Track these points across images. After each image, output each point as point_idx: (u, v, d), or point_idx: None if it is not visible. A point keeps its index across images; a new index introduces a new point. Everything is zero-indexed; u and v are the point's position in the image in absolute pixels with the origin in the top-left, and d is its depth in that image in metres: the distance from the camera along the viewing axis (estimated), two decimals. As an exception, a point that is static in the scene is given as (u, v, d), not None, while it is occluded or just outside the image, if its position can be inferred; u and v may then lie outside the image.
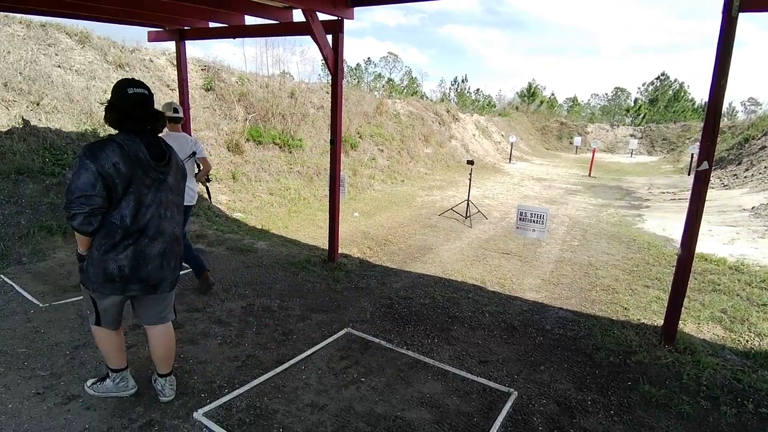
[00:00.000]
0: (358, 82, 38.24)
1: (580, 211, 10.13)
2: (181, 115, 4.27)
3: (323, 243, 6.34)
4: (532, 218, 6.17)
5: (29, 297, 3.96)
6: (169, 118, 4.07)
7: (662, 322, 3.95)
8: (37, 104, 6.60)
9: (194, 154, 4.29)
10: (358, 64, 43.46)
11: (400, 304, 4.44)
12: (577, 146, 27.83)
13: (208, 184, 4.77)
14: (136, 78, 7.77)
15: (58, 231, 5.31)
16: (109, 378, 2.72)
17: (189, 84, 7.29)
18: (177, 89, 7.36)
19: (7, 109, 6.29)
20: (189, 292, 4.36)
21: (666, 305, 3.87)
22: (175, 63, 7.25)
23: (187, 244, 4.38)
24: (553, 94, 48.38)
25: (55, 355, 3.15)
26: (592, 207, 10.71)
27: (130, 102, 2.33)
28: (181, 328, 3.64)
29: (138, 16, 5.75)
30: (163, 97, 8.87)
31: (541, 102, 42.33)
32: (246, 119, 9.96)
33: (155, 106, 2.53)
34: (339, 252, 5.72)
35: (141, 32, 7.62)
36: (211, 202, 5.17)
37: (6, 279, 4.29)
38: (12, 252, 4.84)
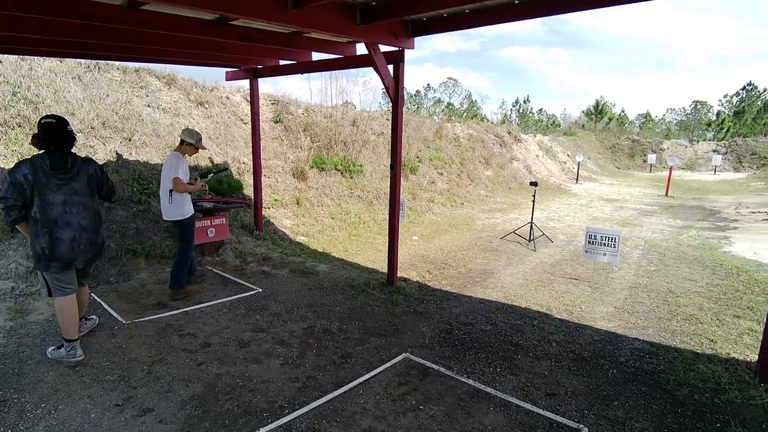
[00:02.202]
0: (418, 107, 38.75)
1: (657, 233, 9.41)
2: (191, 141, 4.70)
3: (382, 266, 6.38)
4: (603, 241, 5.84)
5: (114, 314, 4.34)
6: (187, 143, 4.72)
7: (756, 356, 3.53)
8: (129, 140, 7.35)
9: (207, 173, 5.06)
10: (417, 91, 44.20)
11: (460, 330, 4.34)
12: (651, 164, 26.04)
13: (206, 179, 5.28)
14: (214, 113, 8.42)
15: (141, 253, 5.81)
16: (63, 348, 3.48)
17: (260, 117, 7.80)
18: (249, 123, 7.89)
19: (104, 144, 7.07)
20: (254, 312, 4.56)
21: (761, 338, 3.45)
22: (249, 99, 7.82)
23: (180, 259, 4.76)
24: (623, 111, 46.00)
25: (134, 369, 3.41)
26: (670, 229, 9.91)
27: (42, 130, 3.23)
28: (246, 348, 3.80)
29: (217, 58, 6.31)
30: (237, 129, 9.54)
31: (610, 119, 40.36)
32: (310, 148, 10.42)
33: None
34: (398, 275, 5.73)
35: (219, 72, 8.27)
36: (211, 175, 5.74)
37: (96, 297, 4.74)
38: (102, 273, 5.35)
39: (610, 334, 4.44)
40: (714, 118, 41.74)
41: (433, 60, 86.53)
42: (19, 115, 6.38)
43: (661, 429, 2.89)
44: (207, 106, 9.32)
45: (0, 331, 3.94)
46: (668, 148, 30.33)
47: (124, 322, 4.18)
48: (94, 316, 4.11)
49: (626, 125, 42.63)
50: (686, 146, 30.39)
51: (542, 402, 3.17)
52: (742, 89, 41.00)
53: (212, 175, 5.53)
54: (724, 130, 36.38)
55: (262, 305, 4.76)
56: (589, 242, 5.96)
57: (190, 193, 4.74)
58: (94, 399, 3.01)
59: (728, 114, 40.11)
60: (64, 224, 3.30)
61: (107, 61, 8.01)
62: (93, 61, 7.83)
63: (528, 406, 3.10)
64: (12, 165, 3.54)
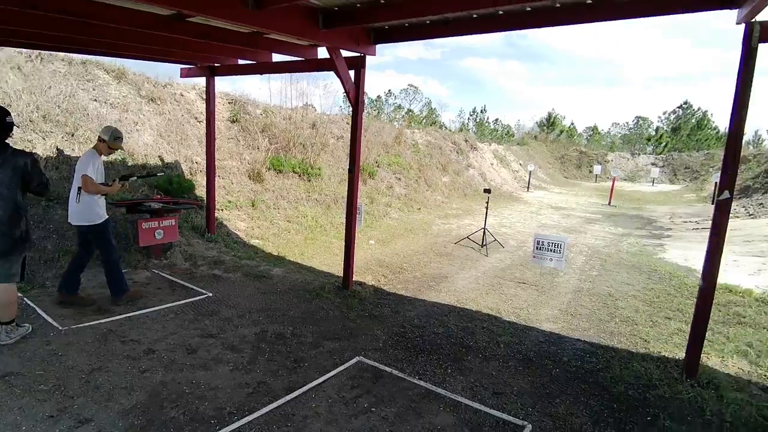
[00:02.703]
0: (378, 113, 38.97)
1: (600, 240, 9.96)
2: (104, 138, 4.27)
3: (338, 270, 6.37)
4: (550, 247, 6.10)
5: (50, 320, 4.08)
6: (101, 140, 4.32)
7: (684, 355, 3.82)
8: (72, 135, 6.95)
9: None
10: (378, 96, 44.34)
11: (413, 333, 4.41)
12: (597, 175, 27.52)
13: (126, 181, 4.71)
14: (167, 110, 8.08)
15: (83, 256, 5.49)
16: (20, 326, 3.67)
17: (216, 117, 7.60)
18: (204, 121, 7.67)
19: (44, 139, 6.64)
20: (204, 317, 4.43)
21: (688, 338, 3.74)
22: (204, 97, 7.59)
23: (108, 267, 4.47)
24: (572, 124, 48.26)
25: (71, 378, 3.22)
26: (611, 236, 10.51)
27: None
28: (194, 354, 3.69)
29: (172, 55, 6.10)
30: (191, 128, 9.24)
31: (561, 131, 42.27)
32: (268, 149, 10.24)
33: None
34: (354, 279, 5.75)
35: (174, 68, 7.96)
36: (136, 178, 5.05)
37: (29, 302, 4.44)
38: (37, 275, 5.02)
39: (554, 335, 4.65)
40: (653, 133, 44.67)
41: (395, 67, 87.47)
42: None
43: (599, 423, 3.07)
44: (159, 103, 8.97)
45: None
46: (612, 160, 32.17)
47: (60, 328, 3.94)
48: (26, 324, 3.83)
49: (575, 137, 44.77)
50: (628, 159, 32.36)
51: (490, 401, 3.28)
52: (679, 107, 44.10)
53: (135, 178, 4.94)
54: (662, 145, 39.04)
55: (213, 310, 4.63)
56: (537, 248, 6.21)
57: (104, 195, 4.35)
58: (25, 411, 2.82)
59: (666, 130, 43.06)
60: None
61: (51, 52, 7.54)
62: (35, 50, 7.35)
63: (476, 405, 3.20)
64: None
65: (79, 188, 4.15)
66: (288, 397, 3.16)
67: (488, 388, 3.47)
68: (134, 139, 7.99)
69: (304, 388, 3.28)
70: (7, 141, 3.43)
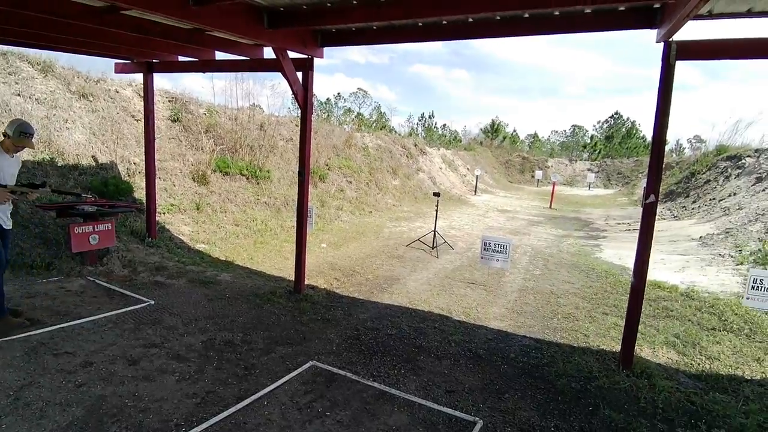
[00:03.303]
0: (328, 116, 38.71)
1: (542, 241, 10.45)
2: (8, 132, 3.73)
3: (289, 274, 6.25)
4: (496, 248, 6.33)
5: (-31, 334, 3.70)
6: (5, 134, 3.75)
7: (620, 347, 4.09)
8: (-9, 132, 6.35)
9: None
10: (328, 99, 44.09)
11: (366, 336, 4.41)
12: (538, 179, 28.91)
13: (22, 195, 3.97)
14: (100, 107, 7.59)
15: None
16: None
17: (156, 115, 7.24)
18: (142, 120, 7.27)
19: (-43, 136, 6.02)
20: (146, 326, 4.19)
21: (623, 331, 4.01)
22: (141, 94, 7.18)
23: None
24: (515, 131, 50.38)
25: (-4, 396, 2.94)
26: (553, 237, 11.07)
27: None
28: (136, 365, 3.48)
29: (106, 48, 5.74)
30: (128, 127, 8.73)
31: (504, 138, 43.98)
32: (213, 150, 9.88)
33: None
34: (305, 283, 5.66)
35: (108, 63, 7.49)
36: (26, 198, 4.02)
37: (-56, 316, 4.00)
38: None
39: (502, 333, 4.82)
40: (589, 141, 47.59)
41: (344, 70, 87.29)
42: None
43: (545, 415, 3.21)
44: (92, 99, 8.41)
45: None
46: (552, 166, 33.88)
47: (-20, 342, 3.58)
48: None
49: (518, 143, 46.79)
50: (567, 164, 34.24)
51: (442, 399, 3.34)
52: (611, 117, 47.36)
53: (43, 189, 4.03)
54: (597, 152, 41.63)
55: (155, 318, 4.40)
56: (484, 249, 6.42)
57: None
58: (-62, 435, 2.54)
59: (600, 138, 46.03)
60: None
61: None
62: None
63: (429, 404, 3.25)
64: None
65: None
66: (239, 406, 3.05)
67: (441, 386, 3.54)
68: (64, 138, 7.44)
69: (256, 396, 3.19)
70: None
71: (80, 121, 7.93)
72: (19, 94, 7.28)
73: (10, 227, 3.86)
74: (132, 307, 4.59)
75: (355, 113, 42.86)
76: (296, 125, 13.35)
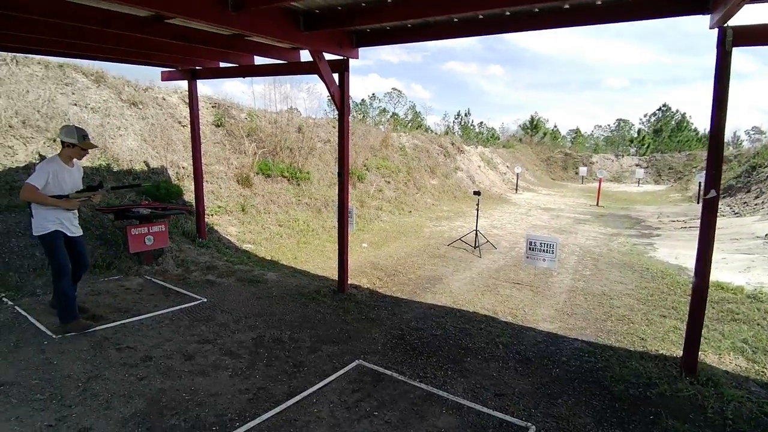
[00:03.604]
0: (363, 116, 38.99)
1: (591, 240, 10.06)
2: (72, 141, 3.85)
3: (332, 274, 6.33)
4: (542, 248, 6.14)
5: (42, 328, 3.95)
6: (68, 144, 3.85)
7: (681, 352, 3.86)
8: (54, 140, 6.79)
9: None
10: (363, 100, 44.41)
11: (411, 336, 4.38)
12: (582, 176, 27.91)
13: (101, 190, 4.19)
14: (150, 114, 7.89)
15: (70, 263, 5.35)
16: None
17: (201, 121, 7.50)
18: (189, 126, 7.57)
19: (25, 145, 6.48)
20: (199, 323, 4.34)
21: (684, 335, 3.78)
22: (186, 100, 7.46)
23: (54, 290, 4.03)
24: (555, 126, 48.93)
25: (67, 386, 3.12)
26: (602, 236, 10.64)
27: None
28: (192, 360, 3.61)
29: (153, 57, 6.00)
30: (175, 132, 9.10)
31: (545, 134, 42.80)
32: (255, 153, 10.15)
33: None
34: (349, 283, 5.70)
35: (155, 71, 7.83)
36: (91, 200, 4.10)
37: (20, 310, 4.30)
38: (26, 284, 4.88)
39: (551, 335, 4.67)
40: (636, 135, 45.51)
41: (378, 71, 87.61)
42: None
43: (602, 423, 3.07)
44: (141, 107, 8.82)
45: None
46: (597, 162, 32.64)
47: (54, 336, 3.82)
48: None
49: (559, 140, 45.40)
50: (613, 160, 32.88)
51: (492, 403, 3.26)
52: (659, 110, 45.09)
53: (102, 189, 4.20)
54: (645, 146, 39.76)
55: (208, 315, 4.55)
56: (529, 249, 6.25)
57: (47, 205, 3.77)
58: (23, 420, 2.72)
59: (648, 132, 43.91)
60: None
61: (27, 55, 7.35)
62: (10, 54, 7.16)
63: (478, 407, 3.18)
64: None
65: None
66: (289, 402, 3.10)
67: (489, 389, 3.46)
68: (118, 145, 7.85)
69: (305, 393, 3.23)
70: None
71: (132, 128, 8.33)
72: (75, 104, 7.74)
73: (80, 234, 4.05)
74: (186, 305, 4.78)
75: (390, 113, 42.96)
76: (333, 126, 13.52)
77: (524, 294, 6.04)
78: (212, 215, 8.07)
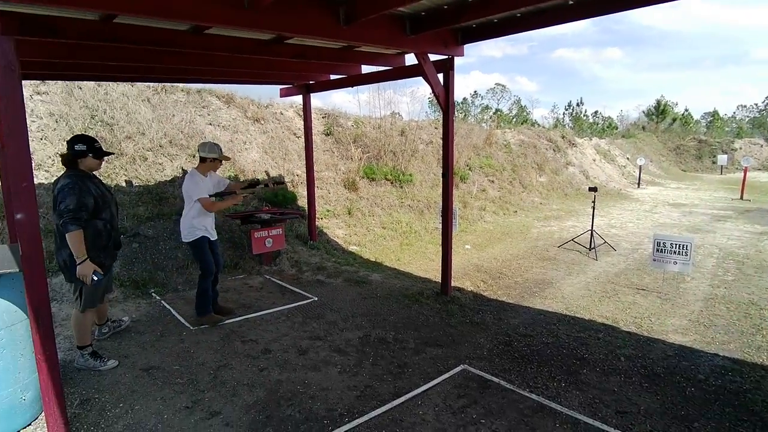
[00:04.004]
0: (465, 115, 38.36)
1: (733, 240, 8.68)
2: (214, 156, 4.31)
3: (435, 276, 6.32)
4: (673, 249, 5.47)
5: (182, 320, 4.57)
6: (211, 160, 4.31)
7: None
8: (194, 156, 7.79)
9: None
10: (464, 99, 43.77)
11: (519, 342, 4.19)
12: (722, 165, 24.20)
13: (260, 187, 4.67)
14: (270, 129, 8.59)
15: (205, 264, 6.10)
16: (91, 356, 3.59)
17: (312, 131, 8.02)
18: (302, 137, 8.14)
19: (171, 161, 7.54)
20: (311, 320, 4.64)
21: None
22: (301, 114, 8.01)
23: (197, 287, 4.42)
24: (686, 110, 43.17)
25: (201, 373, 3.56)
26: (748, 235, 9.11)
27: None
28: (305, 355, 3.87)
29: (273, 76, 6.59)
30: (290, 143, 9.86)
31: (674, 119, 38.01)
32: (360, 159, 10.56)
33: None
34: (452, 285, 5.65)
35: (274, 90, 8.47)
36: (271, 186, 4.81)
37: (165, 304, 5.02)
38: (171, 281, 5.67)
39: (685, 348, 4.12)
40: (794, 113, 38.19)
41: (480, 67, 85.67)
42: (97, 136, 6.94)
43: (753, 455, 2.63)
44: (263, 122, 9.71)
45: (83, 335, 4.26)
46: (741, 148, 28.09)
47: (191, 328, 4.39)
48: (125, 318, 4.40)
49: (691, 125, 39.98)
50: (762, 145, 28.02)
51: (613, 420, 2.98)
52: (828, 81, 37.27)
53: (262, 186, 4.79)
54: (807, 127, 33.16)
55: (319, 313, 4.84)
56: (657, 250, 5.60)
57: (222, 210, 4.36)
58: (166, 401, 3.17)
59: (811, 109, 36.57)
60: None
61: (173, 84, 8.57)
62: (160, 84, 8.40)
63: (598, 424, 2.93)
64: None
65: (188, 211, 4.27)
66: (395, 402, 3.16)
67: (610, 405, 3.16)
68: (244, 157, 8.73)
69: (410, 394, 3.27)
70: (77, 166, 3.39)
71: (255, 142, 9.22)
72: (210, 123, 8.79)
73: (216, 238, 4.57)
74: (299, 303, 5.15)
75: (493, 110, 41.63)
76: (435, 127, 13.50)
77: (650, 301, 5.42)
78: (322, 219, 8.58)
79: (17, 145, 2.43)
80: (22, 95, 2.48)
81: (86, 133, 3.97)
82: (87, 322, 3.56)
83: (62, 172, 3.48)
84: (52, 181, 6.08)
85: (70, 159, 3.36)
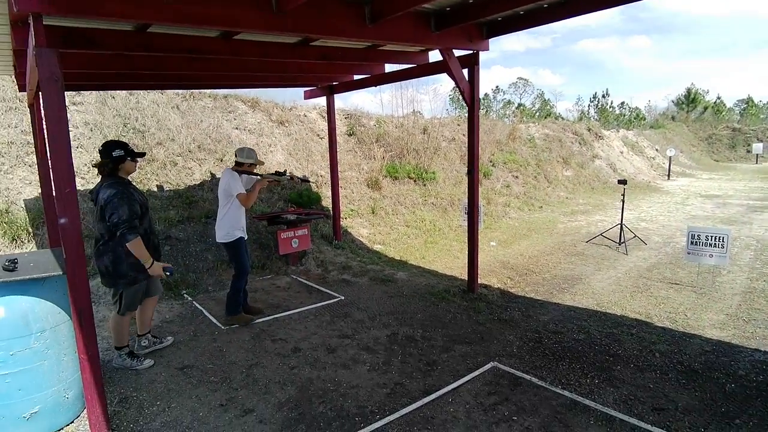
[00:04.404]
0: (487, 111, 37.86)
1: (773, 231, 8.34)
2: (251, 161, 4.44)
3: (461, 273, 6.29)
4: (708, 241, 5.30)
5: (214, 320, 4.68)
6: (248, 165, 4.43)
7: None
8: (221, 160, 7.97)
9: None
10: (486, 94, 43.14)
11: (549, 339, 4.14)
12: (757, 154, 23.26)
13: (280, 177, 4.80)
14: (294, 131, 8.71)
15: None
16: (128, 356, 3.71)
17: (335, 132, 8.09)
18: (326, 138, 8.22)
19: (200, 165, 7.73)
20: (339, 319, 4.69)
21: None
22: (324, 115, 8.09)
23: (230, 287, 4.51)
24: (719, 98, 41.54)
25: (234, 371, 3.64)
26: (789, 226, 8.73)
27: None
28: (334, 353, 3.92)
29: (298, 79, 6.68)
30: (314, 144, 9.97)
31: (705, 108, 36.68)
32: (383, 158, 10.59)
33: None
34: (478, 282, 5.61)
35: (297, 93, 8.57)
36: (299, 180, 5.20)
37: (197, 305, 5.15)
38: (201, 282, 5.82)
39: (723, 344, 3.99)
40: (836, 97, 36.30)
41: (501, 62, 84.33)
42: (130, 143, 7.16)
43: (800, 453, 2.53)
44: (287, 125, 9.85)
45: (121, 335, 4.42)
46: (779, 136, 26.88)
47: (222, 327, 4.50)
48: (169, 337, 4.20)
49: (724, 113, 38.49)
50: (802, 132, 26.75)
51: (649, 417, 2.91)
52: None
53: (288, 178, 4.88)
54: None
55: (346, 312, 4.89)
56: (691, 243, 5.43)
57: (254, 199, 4.42)
58: (201, 399, 3.27)
59: None
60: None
61: (200, 90, 8.78)
62: (188, 90, 8.62)
63: (634, 421, 2.87)
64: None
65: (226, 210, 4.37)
66: (425, 400, 3.17)
67: (646, 402, 3.09)
68: (269, 160, 8.86)
69: (441, 392, 3.27)
70: (117, 172, 3.45)
71: (280, 144, 9.36)
72: (236, 128, 8.97)
73: (246, 238, 4.65)
74: (326, 302, 5.21)
75: (516, 105, 41.01)
76: (458, 124, 13.40)
77: (684, 296, 5.26)
78: (346, 218, 8.64)
79: (61, 153, 2.55)
80: (65, 105, 2.60)
81: (117, 139, 4.06)
82: (126, 324, 3.69)
83: (98, 180, 3.58)
84: (88, 188, 6.33)
85: (111, 166, 3.41)
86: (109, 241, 3.36)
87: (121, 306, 3.56)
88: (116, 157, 3.41)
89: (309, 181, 5.74)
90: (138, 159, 3.64)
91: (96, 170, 3.59)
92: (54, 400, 2.91)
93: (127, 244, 3.28)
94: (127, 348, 3.75)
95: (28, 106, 5.75)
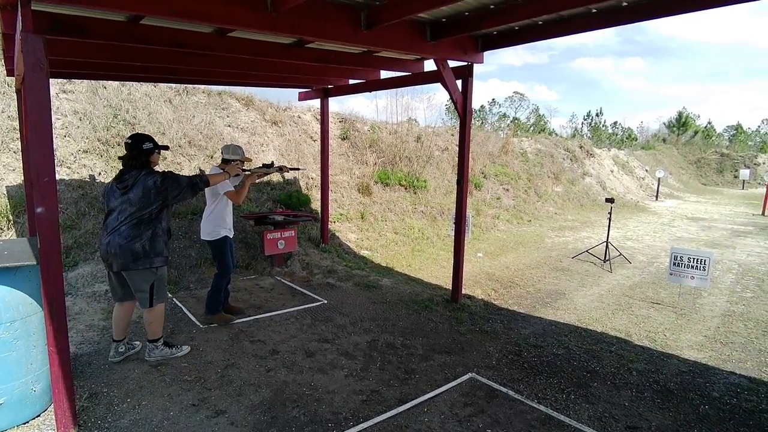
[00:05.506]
0: (482, 123, 38.13)
1: (754, 256, 8.46)
2: (236, 158, 4.36)
3: (446, 282, 6.28)
4: (691, 263, 5.35)
5: (193, 318, 4.62)
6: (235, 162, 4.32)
7: None
8: (211, 157, 7.91)
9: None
10: (482, 106, 43.50)
11: (529, 353, 4.14)
12: (744, 180, 23.68)
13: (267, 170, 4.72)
14: (287, 132, 8.72)
15: (218, 263, 6.17)
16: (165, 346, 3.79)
17: (329, 135, 8.08)
18: (319, 140, 8.20)
19: (189, 161, 7.66)
20: (320, 323, 4.65)
21: None
22: (318, 118, 8.06)
23: (212, 285, 4.46)
24: (709, 123, 42.34)
25: (209, 371, 3.58)
26: (771, 252, 8.87)
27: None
28: (312, 357, 3.88)
29: (292, 80, 6.67)
30: (306, 147, 9.94)
31: (695, 132, 37.32)
32: (375, 163, 10.59)
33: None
34: (463, 293, 5.61)
35: (292, 93, 8.56)
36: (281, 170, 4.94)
37: (177, 302, 5.08)
38: (183, 279, 5.74)
39: (699, 365, 4.03)
40: (822, 128, 37.19)
41: (498, 75, 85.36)
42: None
43: (768, 478, 2.55)
44: (280, 125, 9.81)
45: (94, 329, 4.34)
46: (764, 163, 27.43)
47: (201, 326, 4.44)
48: (137, 342, 3.94)
49: (713, 138, 39.21)
50: (788, 161, 27.32)
51: (623, 436, 2.91)
52: None
53: (276, 168, 4.83)
54: (836, 143, 32.25)
55: (328, 316, 4.85)
56: (674, 264, 5.48)
57: (244, 195, 4.41)
58: (173, 398, 3.21)
59: (840, 124, 35.57)
60: (108, 229, 3.44)
61: (194, 85, 8.72)
62: (182, 85, 8.55)
63: (606, 438, 2.87)
64: (111, 179, 3.79)
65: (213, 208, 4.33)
66: (400, 408, 3.14)
67: (620, 420, 3.10)
68: (260, 159, 8.80)
69: (416, 401, 3.24)
70: (149, 164, 3.56)
71: (272, 144, 9.32)
72: (229, 125, 8.92)
73: (232, 236, 4.58)
74: (309, 305, 5.16)
75: (511, 118, 41.36)
76: (451, 134, 13.48)
77: (665, 316, 5.31)
78: (334, 222, 8.61)
79: (41, 141, 2.51)
80: (49, 93, 2.56)
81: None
82: (162, 314, 3.71)
83: (99, 171, 3.57)
84: (74, 178, 6.24)
85: (143, 159, 3.53)
86: (152, 221, 3.48)
87: (156, 297, 3.57)
88: (146, 150, 3.53)
89: (299, 169, 5.71)
90: (161, 151, 3.75)
91: (120, 162, 3.61)
92: (20, 392, 2.84)
93: (211, 185, 3.87)
94: (162, 338, 3.77)
95: (16, 92, 5.66)
